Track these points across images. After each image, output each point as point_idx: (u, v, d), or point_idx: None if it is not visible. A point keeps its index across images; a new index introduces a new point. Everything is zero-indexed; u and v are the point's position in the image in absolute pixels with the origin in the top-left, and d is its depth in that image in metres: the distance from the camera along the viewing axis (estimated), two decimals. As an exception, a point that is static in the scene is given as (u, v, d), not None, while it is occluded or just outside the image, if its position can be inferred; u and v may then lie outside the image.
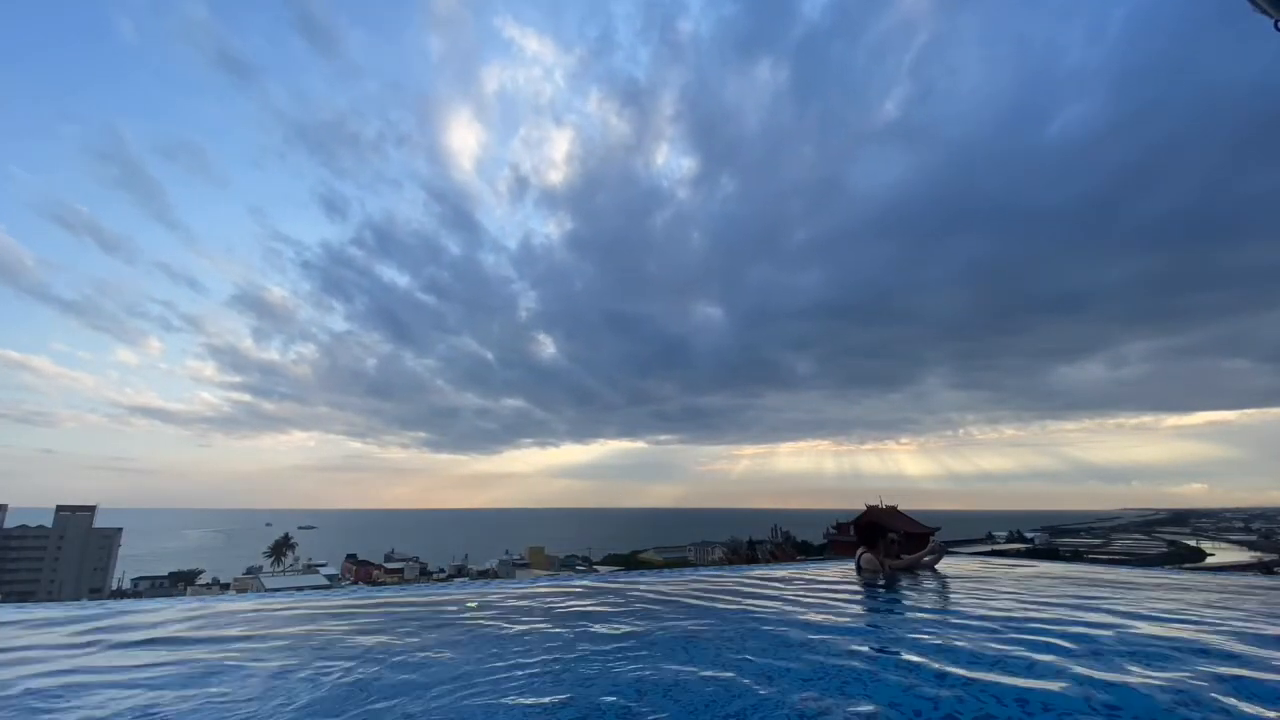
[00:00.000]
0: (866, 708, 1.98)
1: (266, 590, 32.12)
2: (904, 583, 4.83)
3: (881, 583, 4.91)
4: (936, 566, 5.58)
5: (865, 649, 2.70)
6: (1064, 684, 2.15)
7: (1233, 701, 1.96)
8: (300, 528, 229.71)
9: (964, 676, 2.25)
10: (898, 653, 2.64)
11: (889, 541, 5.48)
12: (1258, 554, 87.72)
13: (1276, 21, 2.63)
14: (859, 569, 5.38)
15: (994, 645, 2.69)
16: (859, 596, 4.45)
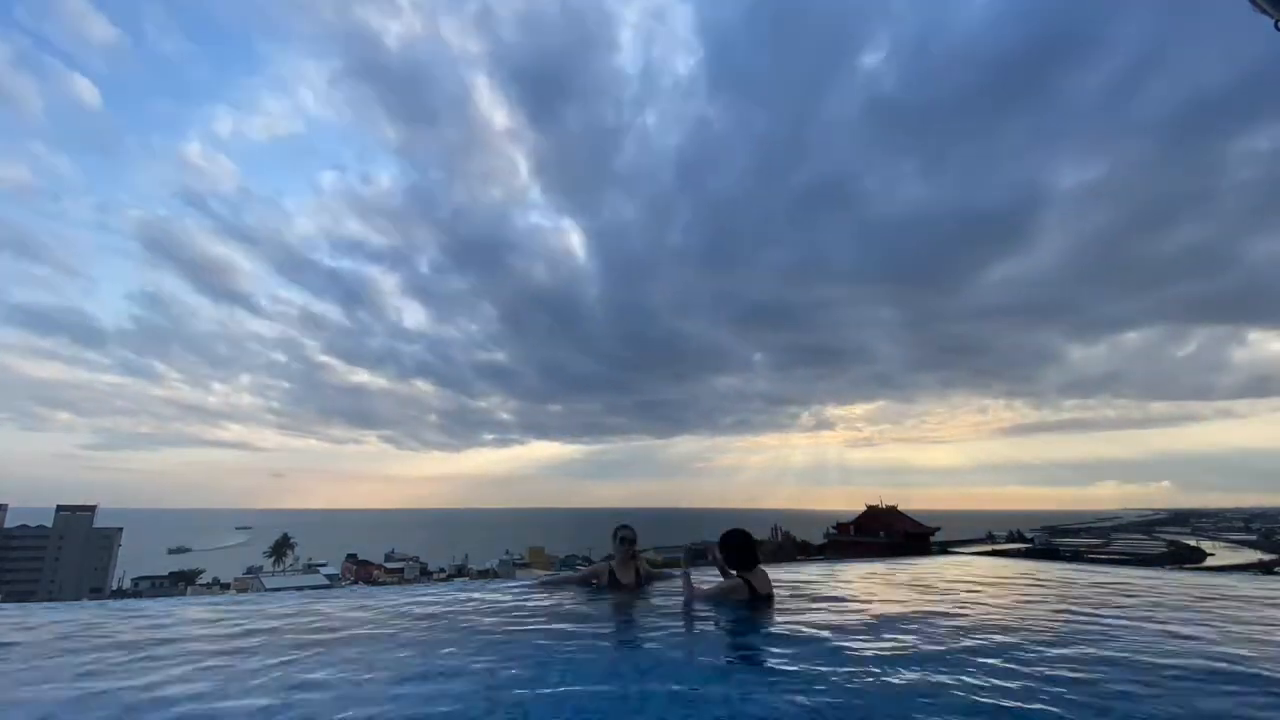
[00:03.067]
0: None
1: (267, 590, 32.14)
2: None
3: None
4: None
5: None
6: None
7: None
8: (238, 528, 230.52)
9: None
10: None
11: None
12: (1258, 554, 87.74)
13: (1277, 21, 2.63)
14: None
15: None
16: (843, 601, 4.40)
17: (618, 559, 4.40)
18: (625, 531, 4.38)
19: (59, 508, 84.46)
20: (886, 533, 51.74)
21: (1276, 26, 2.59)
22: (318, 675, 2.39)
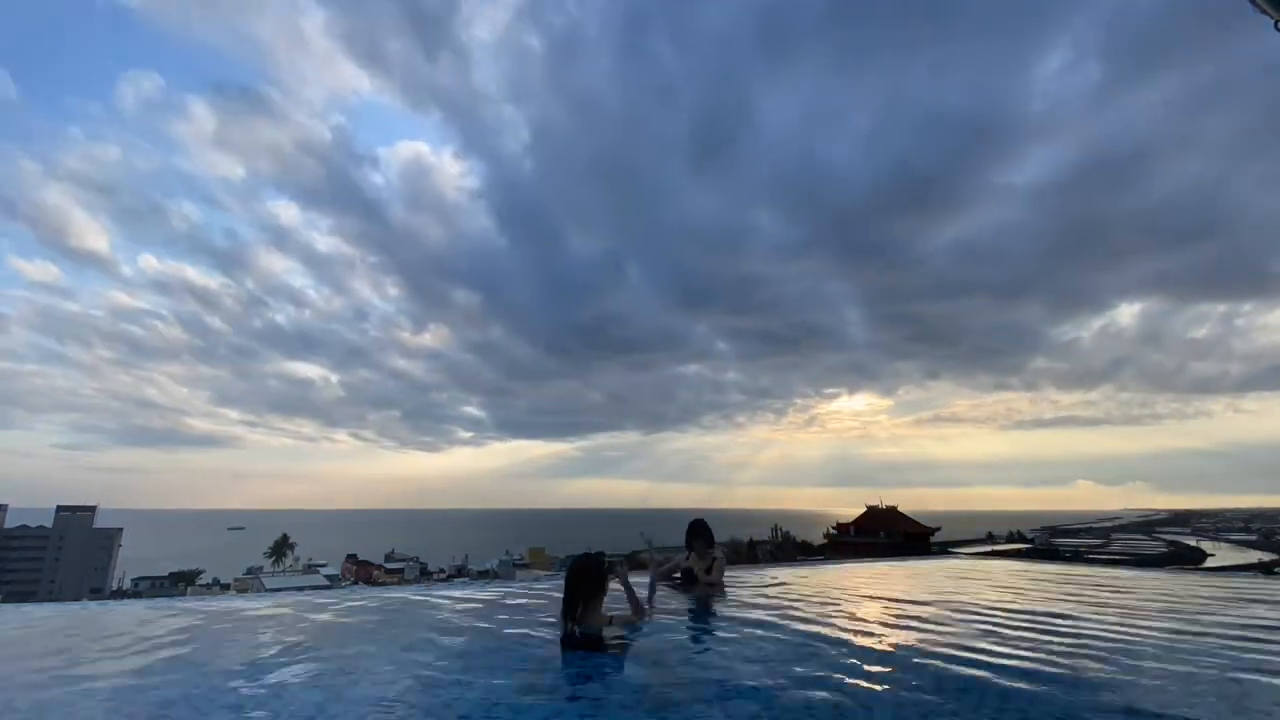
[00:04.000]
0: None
1: (267, 590, 32.11)
2: None
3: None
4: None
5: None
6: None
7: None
8: (230, 528, 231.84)
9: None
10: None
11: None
12: (1258, 554, 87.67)
13: (1277, 22, 2.62)
14: None
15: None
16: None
17: (695, 555, 4.43)
18: (707, 531, 4.46)
19: (59, 508, 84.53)
20: (886, 533, 51.75)
21: (1276, 27, 2.58)
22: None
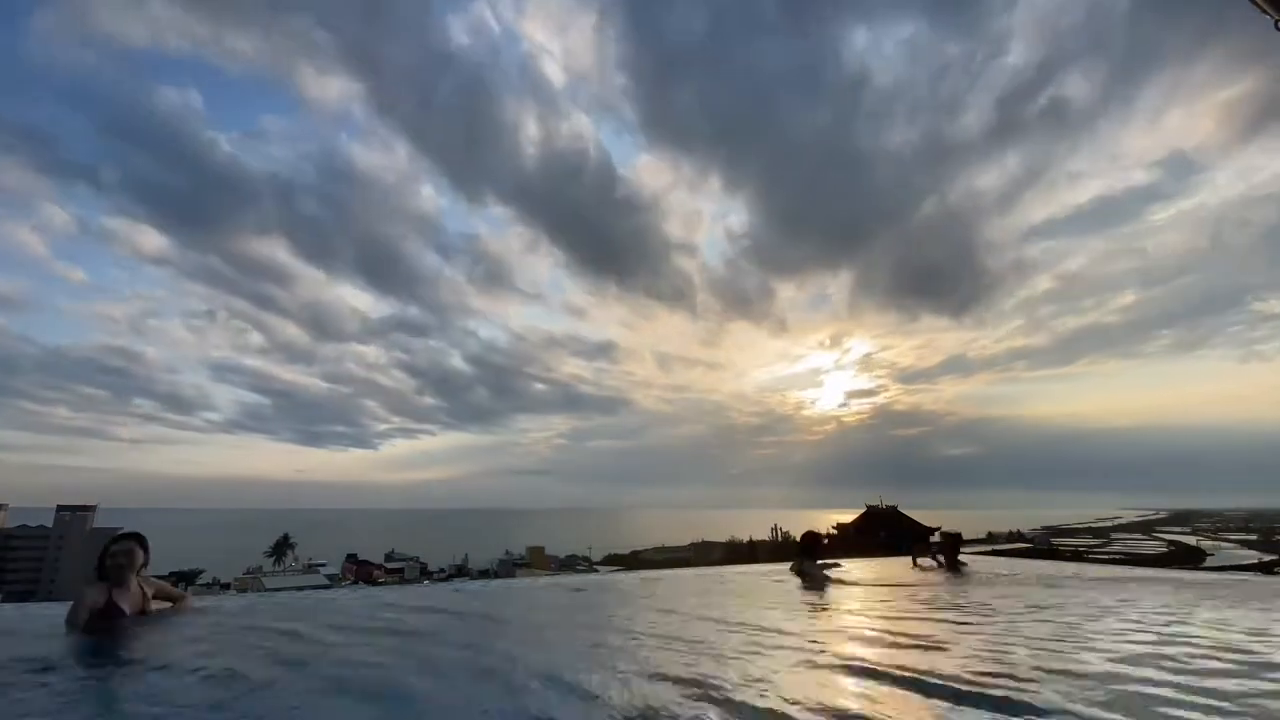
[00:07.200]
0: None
1: (267, 590, 32.21)
2: None
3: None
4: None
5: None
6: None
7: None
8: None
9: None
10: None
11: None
12: (1258, 554, 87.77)
13: (1277, 22, 2.63)
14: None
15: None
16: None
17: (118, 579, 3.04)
18: (117, 545, 3.13)
19: (59, 508, 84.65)
20: (887, 533, 51.80)
21: (1277, 26, 2.59)
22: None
